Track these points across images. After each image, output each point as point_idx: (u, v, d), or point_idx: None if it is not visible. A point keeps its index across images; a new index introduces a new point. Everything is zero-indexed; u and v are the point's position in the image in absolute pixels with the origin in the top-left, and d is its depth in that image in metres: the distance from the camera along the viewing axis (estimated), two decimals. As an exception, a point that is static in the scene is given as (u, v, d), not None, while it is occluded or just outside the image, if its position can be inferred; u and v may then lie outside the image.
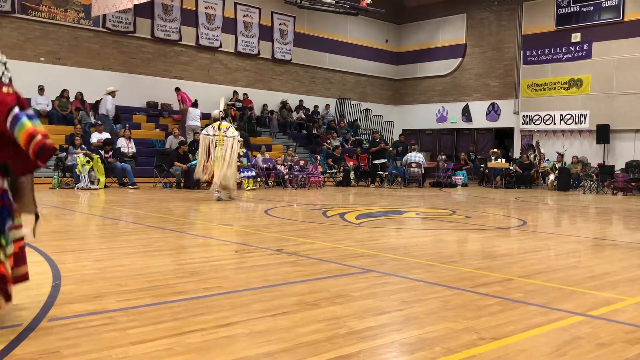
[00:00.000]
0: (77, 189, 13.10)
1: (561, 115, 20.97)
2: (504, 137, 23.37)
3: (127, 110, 17.52)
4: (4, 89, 2.96)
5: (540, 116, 21.52)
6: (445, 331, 3.06)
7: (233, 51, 20.80)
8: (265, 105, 21.33)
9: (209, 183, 12.12)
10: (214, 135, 11.21)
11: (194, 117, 17.30)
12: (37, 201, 3.21)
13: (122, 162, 14.45)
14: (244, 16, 21.07)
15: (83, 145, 14.03)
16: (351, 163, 18.84)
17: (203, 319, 3.17)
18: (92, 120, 16.32)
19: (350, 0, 19.34)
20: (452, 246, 6.47)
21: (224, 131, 11.19)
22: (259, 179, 15.84)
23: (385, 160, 18.75)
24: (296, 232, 7.00)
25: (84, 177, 13.25)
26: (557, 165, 18.97)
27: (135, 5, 16.24)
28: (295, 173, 16.56)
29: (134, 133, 16.03)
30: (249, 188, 14.54)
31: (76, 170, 13.27)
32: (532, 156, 19.69)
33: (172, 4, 19.19)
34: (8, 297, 2.96)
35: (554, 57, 21.17)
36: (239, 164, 12.93)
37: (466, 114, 23.80)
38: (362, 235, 7.04)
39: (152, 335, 2.87)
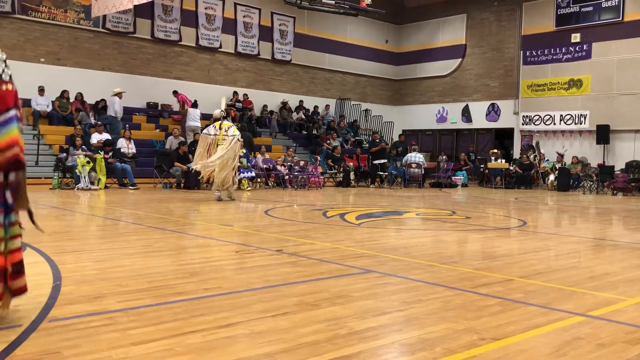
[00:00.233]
0: (77, 189, 13.10)
1: (561, 115, 20.97)
2: (504, 137, 23.38)
3: (127, 110, 17.53)
4: (4, 87, 2.95)
5: (540, 116, 21.52)
6: (445, 331, 3.07)
7: (233, 52, 20.81)
8: (265, 106, 21.34)
9: (209, 183, 12.11)
10: (215, 135, 11.21)
11: (194, 118, 17.31)
12: (29, 198, 3.20)
13: (122, 162, 14.45)
14: (244, 17, 21.08)
15: (84, 146, 14.04)
16: (351, 163, 18.84)
17: (203, 319, 3.18)
18: (92, 120, 16.33)
19: (350, 0, 19.34)
20: (452, 246, 6.47)
21: (225, 130, 11.18)
22: (258, 180, 15.84)
23: (386, 160, 18.75)
24: (296, 233, 7.00)
25: (84, 177, 13.25)
26: (557, 166, 18.98)
27: (135, 6, 16.26)
28: (295, 173, 16.57)
29: (134, 134, 16.04)
30: (248, 188, 14.54)
31: (76, 170, 13.27)
32: (532, 156, 19.70)
33: (172, 4, 19.20)
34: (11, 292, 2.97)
35: (554, 57, 21.18)
36: (239, 164, 12.92)
37: (466, 114, 23.81)
38: (363, 235, 7.04)
39: (153, 336, 2.87)
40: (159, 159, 15.24)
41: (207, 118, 17.57)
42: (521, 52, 22.03)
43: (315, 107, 22.77)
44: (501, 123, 22.90)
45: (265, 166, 16.12)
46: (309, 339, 2.89)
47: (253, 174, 15.20)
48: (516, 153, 21.84)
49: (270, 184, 16.31)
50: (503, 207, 12.15)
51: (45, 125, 15.62)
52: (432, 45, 24.92)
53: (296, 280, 4.28)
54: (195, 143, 15.59)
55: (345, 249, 5.80)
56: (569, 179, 18.16)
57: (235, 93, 20.31)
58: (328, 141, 20.00)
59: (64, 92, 16.34)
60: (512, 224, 9.06)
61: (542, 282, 4.41)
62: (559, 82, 21.06)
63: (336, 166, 18.63)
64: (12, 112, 2.91)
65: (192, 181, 14.35)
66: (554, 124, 21.16)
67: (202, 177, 11.70)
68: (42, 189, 12.84)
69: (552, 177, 18.66)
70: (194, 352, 2.67)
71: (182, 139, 16.04)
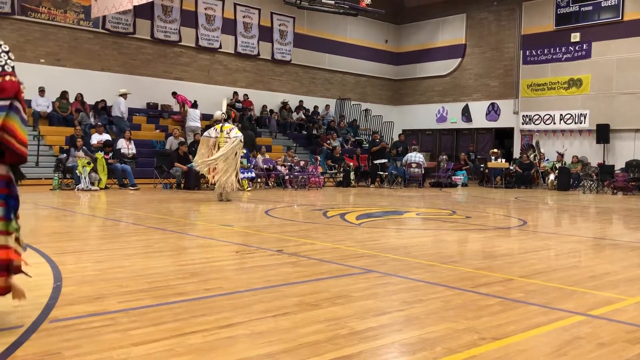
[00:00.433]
0: (78, 190, 13.10)
1: (561, 115, 20.97)
2: (503, 137, 23.38)
3: (128, 111, 17.52)
4: (7, 78, 2.96)
5: (540, 116, 21.53)
6: (446, 331, 3.07)
7: (233, 52, 20.82)
8: (264, 106, 21.35)
9: (212, 184, 12.11)
10: (216, 137, 11.20)
11: (193, 118, 17.32)
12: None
13: (122, 163, 14.46)
14: (244, 17, 21.08)
15: (84, 147, 14.04)
16: (351, 163, 18.85)
17: (204, 319, 3.18)
18: (92, 121, 16.34)
19: (350, 0, 19.34)
20: (453, 246, 6.47)
21: (227, 132, 11.18)
22: (259, 180, 15.84)
23: (386, 160, 18.75)
24: (297, 233, 7.00)
25: (85, 178, 13.25)
26: (557, 165, 18.98)
27: (135, 7, 16.25)
28: (296, 174, 16.57)
29: (134, 134, 16.05)
30: (249, 189, 14.54)
31: (76, 171, 13.27)
32: (532, 156, 19.70)
33: (171, 5, 19.20)
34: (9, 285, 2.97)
35: (554, 57, 21.18)
36: (240, 165, 12.91)
37: (466, 114, 23.81)
38: (363, 235, 7.04)
39: (154, 336, 2.87)
40: (159, 159, 15.25)
41: (207, 118, 17.59)
42: (521, 51, 22.03)
43: (315, 107, 22.77)
44: (501, 123, 22.91)
45: (265, 166, 16.12)
46: (309, 339, 2.89)
47: (253, 174, 15.20)
48: (516, 152, 21.84)
49: (270, 184, 16.31)
50: (503, 207, 12.15)
51: (45, 126, 15.63)
52: (432, 45, 24.92)
53: (297, 281, 4.28)
54: (195, 143, 15.60)
55: (346, 249, 5.81)
56: (569, 178, 18.16)
57: (235, 93, 20.31)
58: (328, 141, 20.01)
59: (64, 92, 16.35)
60: (512, 223, 9.07)
61: (542, 281, 4.41)
62: (558, 82, 21.06)
63: (336, 166, 18.63)
64: (6, 102, 2.91)
65: (192, 181, 14.36)
66: (554, 123, 21.16)
67: (206, 177, 11.66)
68: (43, 189, 12.85)
69: (552, 176, 18.66)
70: (195, 352, 2.67)
71: (182, 139, 16.05)
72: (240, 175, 14.10)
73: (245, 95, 20.74)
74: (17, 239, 2.99)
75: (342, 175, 18.25)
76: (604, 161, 19.23)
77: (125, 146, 15.09)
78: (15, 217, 2.99)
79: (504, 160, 20.00)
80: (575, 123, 20.64)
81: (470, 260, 5.39)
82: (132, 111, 17.96)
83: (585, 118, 20.39)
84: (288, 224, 8.10)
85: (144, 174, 15.10)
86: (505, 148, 22.94)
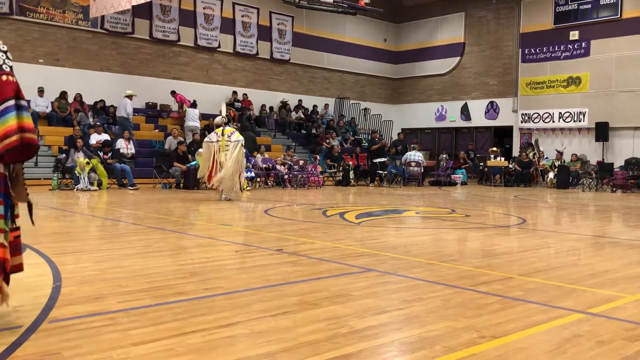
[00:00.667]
0: (77, 190, 13.10)
1: (560, 113, 20.98)
2: (503, 135, 23.38)
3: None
4: (4, 77, 2.96)
5: (539, 114, 21.53)
6: (445, 330, 3.07)
7: (232, 51, 20.81)
8: (263, 106, 21.34)
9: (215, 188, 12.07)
10: (218, 141, 11.20)
11: (192, 118, 17.31)
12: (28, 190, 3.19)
13: (122, 163, 14.45)
14: (243, 16, 21.07)
15: (84, 148, 14.03)
16: (350, 162, 18.85)
17: (204, 319, 3.18)
18: (91, 121, 16.34)
19: (349, -1, 19.35)
20: (452, 245, 6.48)
21: (228, 136, 11.17)
22: (258, 179, 15.84)
23: (385, 159, 18.75)
24: (296, 232, 7.00)
25: (84, 178, 13.25)
26: (557, 163, 18.98)
27: (133, 6, 16.24)
28: (295, 173, 16.57)
29: (133, 134, 16.03)
30: (248, 188, 14.53)
31: (75, 171, 13.27)
32: (531, 154, 19.70)
33: (170, 4, 19.19)
34: (7, 282, 2.96)
35: (553, 55, 21.18)
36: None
37: (465, 112, 23.81)
38: (362, 234, 7.04)
39: (153, 336, 2.88)
40: (158, 159, 15.24)
41: (206, 118, 17.60)
42: (520, 49, 22.02)
43: (314, 106, 22.77)
44: (500, 121, 22.91)
45: (264, 166, 16.12)
46: (309, 338, 2.89)
47: (252, 173, 15.19)
48: (515, 151, 21.85)
49: (269, 183, 16.31)
50: (502, 205, 12.15)
51: (44, 126, 15.62)
52: (431, 43, 24.91)
53: (296, 280, 4.29)
54: (194, 143, 15.61)
55: (345, 248, 5.81)
56: (568, 176, 18.17)
57: (234, 93, 20.31)
58: (327, 140, 20.01)
59: (63, 93, 16.34)
60: (511, 221, 9.07)
61: (541, 279, 4.42)
62: (557, 80, 21.06)
63: (335, 165, 18.63)
64: (11, 102, 2.91)
65: (192, 181, 14.36)
66: (553, 121, 21.17)
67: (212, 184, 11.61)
68: (42, 189, 12.84)
69: (551, 174, 18.67)
70: (195, 352, 2.68)
71: (181, 139, 16.04)
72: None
73: (245, 94, 20.73)
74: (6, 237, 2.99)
75: (341, 174, 18.25)
76: (603, 159, 19.24)
77: (125, 146, 15.09)
78: (14, 216, 2.99)
79: (503, 159, 20.01)
80: (575, 121, 20.64)
81: (470, 258, 5.39)
82: (131, 111, 17.99)
83: (584, 116, 20.39)
84: (287, 223, 8.10)
85: (143, 174, 15.10)
86: (505, 146, 22.95)
